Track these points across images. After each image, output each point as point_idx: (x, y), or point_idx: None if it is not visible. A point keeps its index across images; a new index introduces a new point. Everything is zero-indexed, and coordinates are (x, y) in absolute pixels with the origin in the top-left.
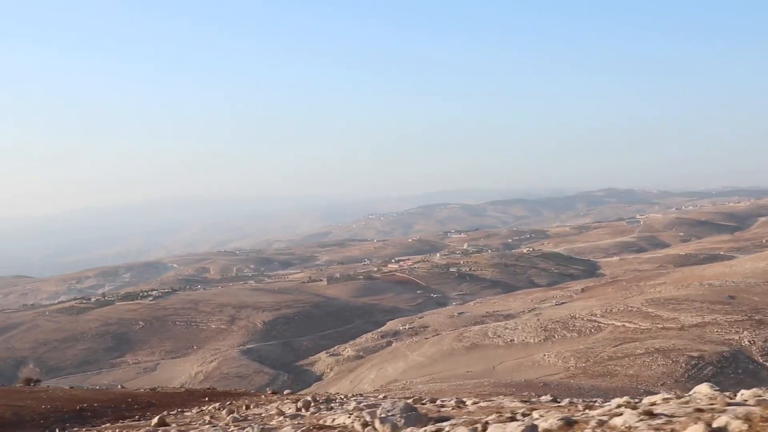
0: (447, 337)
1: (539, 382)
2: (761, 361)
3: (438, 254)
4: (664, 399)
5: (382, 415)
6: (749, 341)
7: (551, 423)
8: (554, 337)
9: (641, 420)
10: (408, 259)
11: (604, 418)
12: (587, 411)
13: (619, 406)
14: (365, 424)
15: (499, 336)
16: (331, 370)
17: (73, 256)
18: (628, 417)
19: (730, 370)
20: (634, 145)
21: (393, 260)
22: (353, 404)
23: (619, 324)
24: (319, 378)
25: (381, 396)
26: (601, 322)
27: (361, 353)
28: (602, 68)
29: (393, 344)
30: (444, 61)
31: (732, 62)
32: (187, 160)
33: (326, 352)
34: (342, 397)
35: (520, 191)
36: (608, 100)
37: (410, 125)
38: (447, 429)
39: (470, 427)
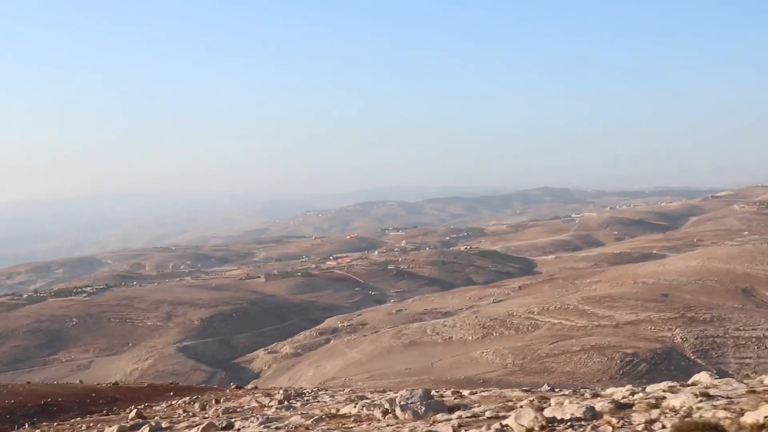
0: (385, 335)
1: (478, 378)
2: (693, 357)
3: (376, 251)
4: (670, 387)
5: (402, 403)
6: (681, 338)
7: (602, 406)
8: (492, 334)
9: (702, 401)
10: (346, 257)
11: (653, 400)
12: (615, 397)
13: (665, 390)
14: (386, 412)
15: (437, 333)
16: (269, 367)
17: (2, 251)
18: (686, 398)
19: (663, 367)
20: (570, 145)
21: (331, 257)
22: (343, 396)
23: (556, 321)
24: (257, 376)
25: (361, 388)
26: (538, 320)
27: (299, 350)
28: (540, 68)
29: (331, 341)
30: (380, 58)
31: (666, 65)
32: (122, 153)
33: (264, 350)
34: (310, 390)
35: (458, 189)
36: (546, 101)
37: (347, 120)
38: (486, 413)
39: (505, 412)
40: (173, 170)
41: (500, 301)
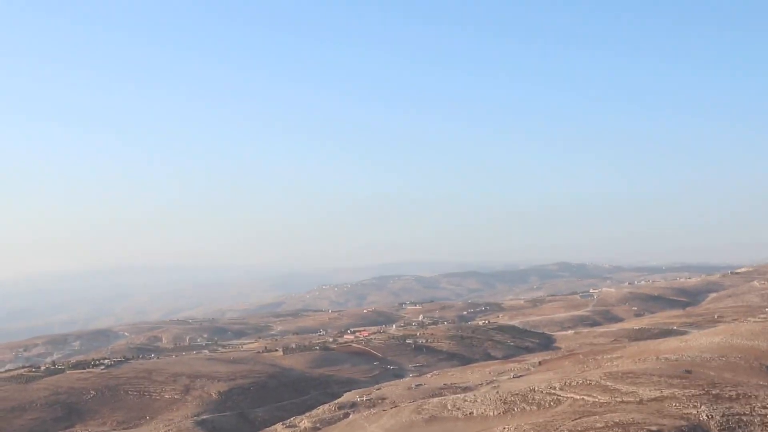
0: (405, 409)
1: None
2: None
3: (394, 325)
4: None
5: None
6: (707, 415)
7: None
8: (513, 409)
9: None
10: (364, 330)
11: None
12: None
13: None
14: None
15: (458, 408)
16: None
17: (18, 324)
18: None
19: None
20: (587, 220)
21: (349, 331)
22: None
23: (578, 397)
24: None
25: None
26: (560, 395)
27: (317, 425)
28: (557, 140)
29: (350, 416)
30: (394, 132)
31: (683, 139)
32: (136, 227)
33: (282, 424)
34: None
35: (474, 264)
36: (562, 175)
37: (363, 194)
38: None
39: None
40: (188, 244)
41: (521, 376)
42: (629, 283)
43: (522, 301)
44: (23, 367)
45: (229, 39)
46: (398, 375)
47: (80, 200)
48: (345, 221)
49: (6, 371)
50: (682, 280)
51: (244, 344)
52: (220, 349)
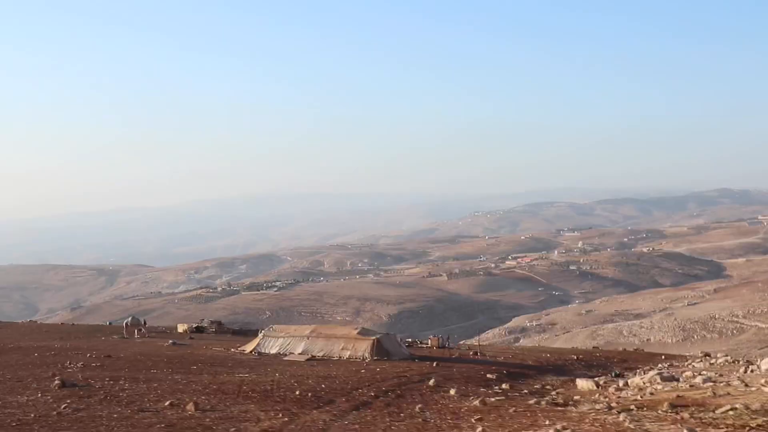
0: (579, 335)
1: None
2: None
3: (555, 252)
4: None
5: None
6: None
7: None
8: (693, 337)
9: None
10: (525, 257)
11: None
12: None
13: None
14: None
15: (634, 335)
16: None
17: (184, 247)
18: None
19: None
20: (746, 144)
21: (510, 257)
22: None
23: (764, 326)
24: None
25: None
26: (743, 323)
27: None
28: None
29: (521, 341)
30: (535, 68)
31: None
32: (285, 156)
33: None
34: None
35: (629, 190)
36: (723, 89)
37: (508, 119)
38: None
39: None
40: (340, 172)
41: (696, 303)
42: None
43: (685, 228)
44: (201, 287)
45: None
46: (564, 301)
47: (239, 131)
48: (493, 146)
49: (185, 291)
50: None
51: (406, 269)
52: (382, 273)
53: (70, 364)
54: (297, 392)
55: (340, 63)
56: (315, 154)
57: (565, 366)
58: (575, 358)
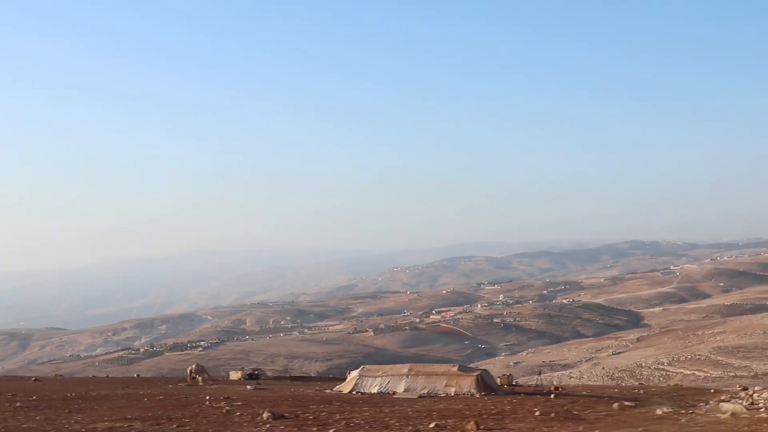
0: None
1: None
2: None
3: (479, 305)
4: None
5: None
6: None
7: None
8: (622, 385)
9: None
10: (449, 310)
11: None
12: None
13: None
14: None
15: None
16: None
17: (98, 309)
18: None
19: None
20: (657, 198)
21: (433, 311)
22: None
23: (689, 372)
24: None
25: None
26: (669, 371)
27: None
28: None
29: None
30: (444, 123)
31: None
32: (201, 213)
33: None
34: None
35: (543, 244)
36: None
37: (425, 175)
38: None
39: None
40: (255, 230)
41: (620, 353)
42: (711, 259)
43: (602, 279)
44: (121, 349)
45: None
46: (490, 354)
47: (151, 190)
48: (408, 202)
49: (106, 353)
50: (766, 255)
51: (330, 326)
52: (306, 330)
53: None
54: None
55: (252, 119)
56: (227, 211)
57: (640, 397)
58: (640, 392)
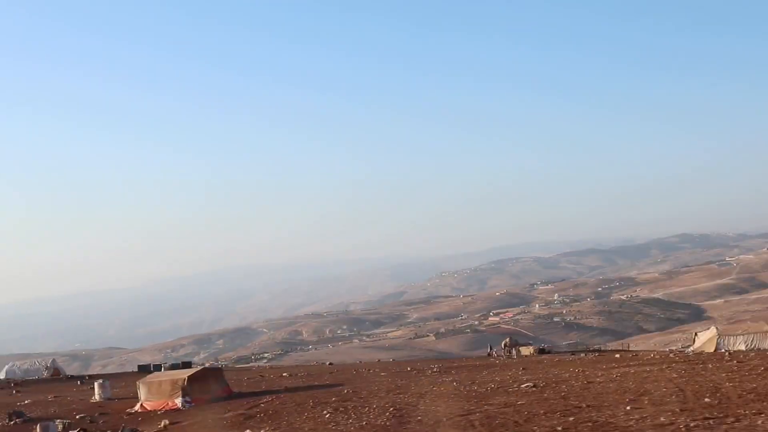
0: None
1: None
2: None
3: (537, 305)
4: None
5: None
6: None
7: None
8: None
9: None
10: (507, 312)
11: None
12: None
13: None
14: None
15: None
16: None
17: (149, 327)
18: None
19: None
20: (701, 189)
21: (491, 313)
22: None
23: None
24: None
25: None
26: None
27: None
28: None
29: None
30: (507, 114)
31: None
32: (237, 229)
33: None
34: None
35: (590, 241)
36: (669, 147)
37: (474, 180)
38: None
39: None
40: (298, 243)
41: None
42: (767, 249)
43: (656, 274)
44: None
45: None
46: None
47: (181, 207)
48: (455, 208)
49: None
50: None
51: (388, 332)
52: (365, 338)
53: None
54: None
55: (278, 134)
56: (262, 226)
57: None
58: None
